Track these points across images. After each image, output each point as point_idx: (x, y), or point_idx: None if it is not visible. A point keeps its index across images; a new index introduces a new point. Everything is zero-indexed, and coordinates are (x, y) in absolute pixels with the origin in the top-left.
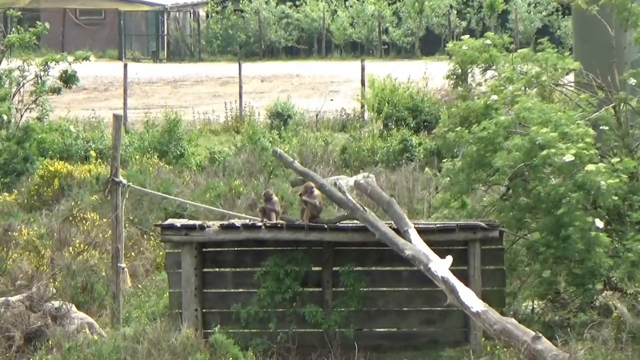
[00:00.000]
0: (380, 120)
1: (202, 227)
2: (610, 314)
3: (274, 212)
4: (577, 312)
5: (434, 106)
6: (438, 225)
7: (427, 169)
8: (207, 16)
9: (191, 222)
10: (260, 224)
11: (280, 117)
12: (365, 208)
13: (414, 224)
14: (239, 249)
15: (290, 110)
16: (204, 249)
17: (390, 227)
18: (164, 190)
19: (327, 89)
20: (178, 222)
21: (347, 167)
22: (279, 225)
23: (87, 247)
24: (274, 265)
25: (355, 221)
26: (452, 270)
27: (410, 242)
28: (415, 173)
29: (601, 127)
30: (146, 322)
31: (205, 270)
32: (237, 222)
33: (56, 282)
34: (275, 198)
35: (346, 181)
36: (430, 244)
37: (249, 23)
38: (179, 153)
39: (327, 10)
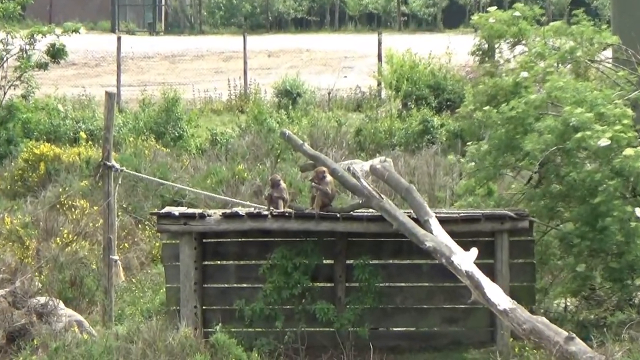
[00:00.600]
0: (398, 99)
1: (202, 216)
2: None
3: (282, 199)
4: (614, 311)
5: (457, 84)
6: (462, 214)
7: (450, 152)
8: None
9: (190, 210)
10: (266, 212)
11: (289, 96)
12: (382, 195)
13: (436, 213)
14: (242, 240)
15: (300, 88)
16: (204, 240)
17: (409, 216)
18: (161, 175)
19: (340, 64)
20: (176, 210)
21: (362, 150)
22: (287, 214)
23: (76, 237)
24: (281, 257)
25: (370, 210)
26: (477, 264)
27: (431, 232)
28: (436, 157)
29: None
30: (141, 320)
31: (206, 263)
32: (241, 211)
33: (42, 276)
34: (283, 184)
35: (361, 166)
36: (453, 235)
37: None
38: (177, 135)
39: None
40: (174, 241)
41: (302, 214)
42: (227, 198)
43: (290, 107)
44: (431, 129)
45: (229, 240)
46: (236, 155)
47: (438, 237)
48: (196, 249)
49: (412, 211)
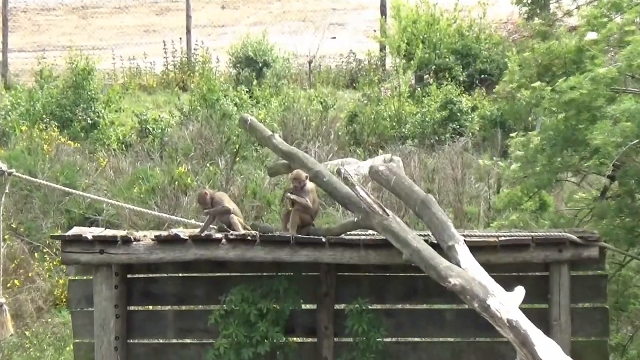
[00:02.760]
0: (411, 71)
1: (126, 241)
2: None
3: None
4: None
5: (496, 49)
6: (502, 238)
7: (485, 149)
8: None
9: (110, 232)
10: (219, 235)
11: (253, 66)
12: (388, 211)
13: (465, 236)
14: (185, 275)
15: (268, 55)
16: (129, 276)
17: (426, 241)
18: (67, 181)
19: (326, 20)
20: (89, 232)
21: (357, 145)
22: (250, 237)
23: None
24: (241, 301)
25: (370, 232)
26: (524, 310)
27: (459, 265)
28: (466, 155)
29: None
30: None
31: (132, 309)
32: (183, 233)
33: None
34: (218, 197)
35: (357, 167)
36: (490, 268)
37: None
38: (90, 122)
39: None
40: (85, 277)
41: (272, 237)
42: (163, 214)
43: (255, 82)
44: (458, 115)
45: (165, 275)
46: (176, 152)
47: (468, 271)
48: (118, 288)
49: (430, 233)
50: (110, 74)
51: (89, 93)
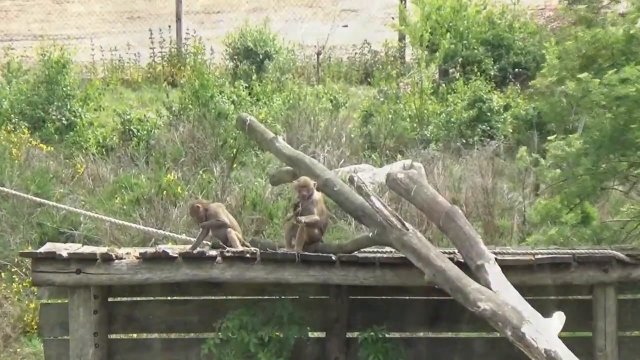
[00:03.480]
0: (434, 64)
1: (107, 259)
2: None
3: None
4: None
5: (532, 39)
6: (539, 256)
7: (520, 152)
8: None
9: (88, 249)
10: (213, 252)
11: (252, 57)
12: (407, 224)
13: (496, 253)
14: (175, 298)
15: (270, 45)
16: (110, 299)
17: (451, 259)
18: (39, 189)
19: (336, 5)
20: (63, 248)
21: (372, 148)
22: (249, 255)
23: None
24: (238, 328)
25: (387, 248)
26: (564, 339)
27: (489, 286)
28: (497, 161)
29: None
30: None
31: (114, 337)
32: (172, 250)
33: None
34: (213, 209)
35: (372, 174)
36: (525, 290)
37: None
38: (65, 122)
39: None
40: (59, 300)
41: (274, 255)
42: (149, 228)
43: (254, 76)
44: (488, 114)
45: (151, 299)
46: (164, 157)
47: (500, 293)
48: (97, 313)
49: (456, 250)
50: (89, 66)
51: (64, 89)
